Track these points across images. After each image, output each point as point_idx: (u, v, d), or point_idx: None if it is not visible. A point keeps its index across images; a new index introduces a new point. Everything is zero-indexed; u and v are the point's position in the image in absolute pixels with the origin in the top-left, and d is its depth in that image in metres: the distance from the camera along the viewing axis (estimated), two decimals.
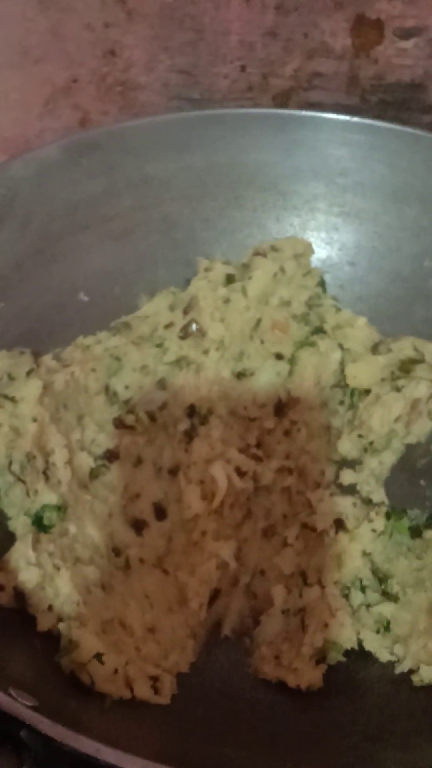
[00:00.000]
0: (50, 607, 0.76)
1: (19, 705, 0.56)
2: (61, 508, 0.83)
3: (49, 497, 0.83)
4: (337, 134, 1.03)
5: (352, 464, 0.94)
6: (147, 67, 1.06)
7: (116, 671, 0.72)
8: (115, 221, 1.03)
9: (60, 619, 0.76)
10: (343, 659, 0.81)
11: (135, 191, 1.04)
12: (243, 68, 1.07)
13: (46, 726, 0.54)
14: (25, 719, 0.55)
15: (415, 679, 0.78)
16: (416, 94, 1.08)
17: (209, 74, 1.07)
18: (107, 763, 0.53)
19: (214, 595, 0.87)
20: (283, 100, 1.10)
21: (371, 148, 1.03)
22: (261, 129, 1.04)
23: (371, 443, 0.92)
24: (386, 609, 0.82)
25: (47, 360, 0.92)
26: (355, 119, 1.03)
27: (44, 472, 0.84)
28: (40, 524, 0.81)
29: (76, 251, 1.01)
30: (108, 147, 1.01)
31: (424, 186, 1.03)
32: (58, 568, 0.78)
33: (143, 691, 0.73)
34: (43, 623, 0.75)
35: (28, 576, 0.76)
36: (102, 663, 0.72)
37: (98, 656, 0.72)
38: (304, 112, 1.04)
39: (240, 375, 0.98)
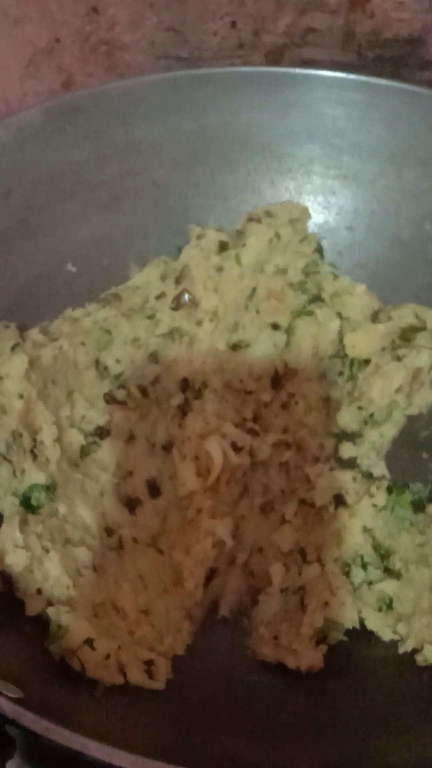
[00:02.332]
0: (39, 591, 0.74)
1: (2, 698, 0.54)
2: (50, 488, 0.80)
3: (37, 476, 0.80)
4: (332, 93, 1.00)
5: (352, 437, 0.91)
6: (132, 24, 1.02)
7: (108, 656, 0.70)
8: (103, 188, 1.00)
9: (49, 603, 0.73)
10: (345, 639, 0.79)
11: (122, 157, 1.00)
12: (233, 24, 1.03)
13: (30, 720, 0.52)
14: (7, 714, 0.52)
15: (419, 659, 0.75)
16: (414, 49, 1.04)
17: (198, 31, 1.03)
18: (94, 758, 0.51)
19: (211, 575, 0.84)
20: (275, 57, 1.06)
21: (368, 106, 0.99)
22: (253, 88, 1.00)
23: (371, 415, 0.89)
24: (388, 586, 0.80)
25: (34, 334, 0.89)
26: (352, 76, 0.99)
27: (32, 451, 0.81)
28: (28, 505, 0.78)
29: (62, 221, 0.98)
30: (93, 110, 0.97)
31: (424, 146, 0.99)
32: (47, 550, 0.76)
33: (137, 676, 0.71)
34: (32, 608, 0.73)
35: (15, 559, 0.74)
36: (93, 648, 0.69)
37: (89, 641, 0.69)
38: (297, 70, 1.00)
39: (235, 346, 0.94)
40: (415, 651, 0.76)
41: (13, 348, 0.84)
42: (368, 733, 0.68)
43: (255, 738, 0.67)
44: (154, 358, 0.93)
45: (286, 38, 1.04)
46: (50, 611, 0.71)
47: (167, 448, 0.90)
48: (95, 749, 0.50)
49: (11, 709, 0.52)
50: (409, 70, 1.06)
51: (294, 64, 1.06)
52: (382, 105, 0.99)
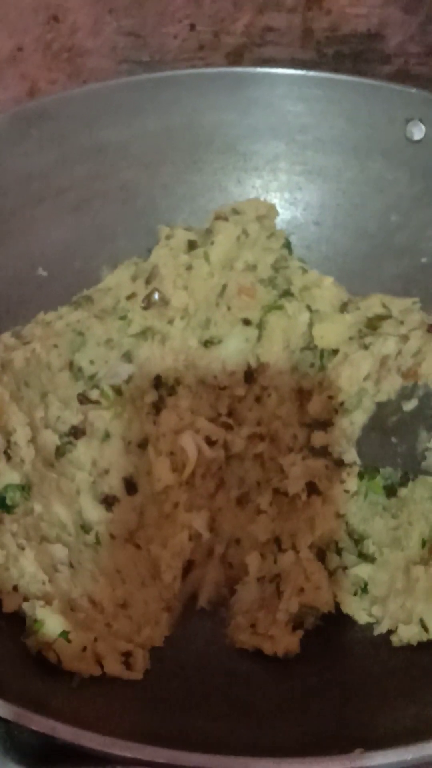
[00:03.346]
0: (15, 588, 0.74)
1: None
2: (24, 488, 0.81)
3: (12, 477, 0.80)
4: (294, 90, 1.01)
5: (323, 426, 0.91)
6: (93, 30, 1.03)
7: (84, 649, 0.71)
8: (71, 192, 1.01)
9: (25, 600, 0.74)
10: (321, 623, 0.80)
11: (89, 160, 1.01)
12: (192, 27, 1.04)
13: None
14: None
15: (394, 639, 0.76)
16: (373, 44, 1.06)
17: (158, 35, 1.04)
18: (65, 741, 0.52)
19: (188, 567, 0.85)
20: (236, 57, 1.07)
21: (329, 102, 1.01)
22: (216, 89, 1.01)
23: (341, 403, 0.90)
24: (363, 570, 0.81)
25: (5, 338, 0.90)
26: (312, 73, 1.01)
27: (5, 452, 0.82)
28: (2, 504, 0.79)
29: (31, 225, 0.99)
30: (58, 116, 0.98)
31: (386, 139, 1.00)
32: (22, 548, 0.76)
33: (114, 667, 0.72)
34: (9, 604, 0.73)
35: None
36: (69, 641, 0.70)
37: (64, 634, 0.70)
38: (258, 69, 1.02)
39: (207, 343, 0.95)
40: (390, 632, 0.77)
41: None
42: (346, 711, 0.69)
43: (233, 720, 0.68)
44: (127, 357, 0.94)
45: (246, 38, 1.06)
46: (25, 606, 0.72)
47: (143, 445, 0.90)
48: (64, 731, 0.51)
49: None
50: (369, 64, 1.07)
51: (254, 64, 1.08)
52: (343, 100, 1.00)
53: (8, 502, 0.79)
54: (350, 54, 1.06)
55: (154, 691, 0.72)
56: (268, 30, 1.04)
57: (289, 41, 1.05)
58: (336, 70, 1.02)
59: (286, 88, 1.01)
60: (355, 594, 0.80)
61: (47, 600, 0.73)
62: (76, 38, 1.04)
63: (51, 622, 0.70)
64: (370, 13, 1.02)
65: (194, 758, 0.52)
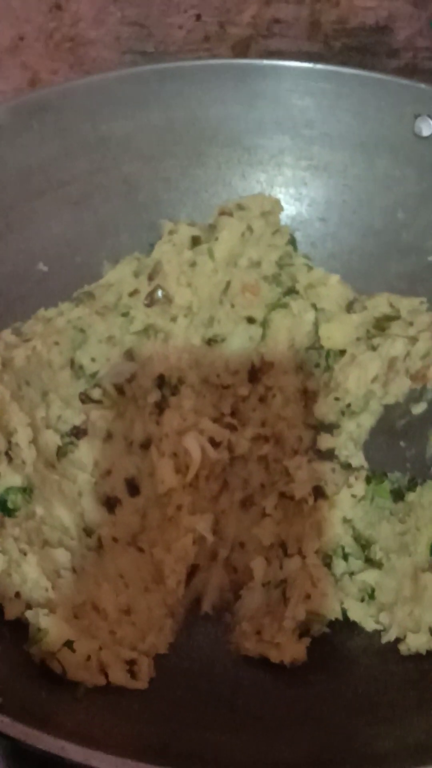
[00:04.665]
0: (18, 594, 0.73)
1: None
2: (26, 490, 0.79)
3: (13, 479, 0.79)
4: (300, 83, 0.99)
5: (330, 428, 0.90)
6: (96, 20, 1.01)
7: (89, 658, 0.69)
8: (72, 186, 0.99)
9: (28, 607, 0.72)
10: (328, 631, 0.79)
11: (91, 153, 0.99)
12: (198, 17, 1.02)
13: (6, 725, 0.51)
14: None
15: (402, 648, 0.75)
16: (381, 37, 1.04)
17: (163, 25, 1.02)
18: (72, 761, 0.50)
19: (192, 571, 0.84)
20: (242, 49, 1.05)
21: (337, 96, 0.99)
22: (221, 81, 1.00)
23: (348, 406, 0.88)
24: (370, 576, 0.80)
25: (6, 335, 0.88)
26: (319, 66, 0.99)
27: (6, 453, 0.80)
28: (4, 508, 0.77)
29: (32, 219, 0.97)
30: (60, 107, 0.96)
31: (394, 134, 0.99)
32: (24, 553, 0.75)
33: (119, 676, 0.70)
34: (11, 611, 0.72)
35: None
36: (73, 650, 0.69)
37: (69, 643, 0.69)
38: (264, 62, 1.00)
39: (210, 341, 0.94)
40: (398, 640, 0.76)
41: None
42: (354, 723, 0.68)
43: (240, 733, 0.67)
44: (129, 355, 0.93)
45: (252, 30, 1.04)
46: (29, 614, 0.71)
47: (145, 445, 0.89)
48: (73, 752, 0.50)
49: None
50: (377, 58, 1.06)
51: (261, 56, 1.06)
52: (351, 94, 0.98)
53: (10, 505, 0.78)
54: (358, 47, 1.04)
55: (160, 702, 0.70)
56: (275, 21, 1.02)
57: (297, 33, 1.03)
58: (343, 64, 1.00)
59: (293, 81, 0.99)
60: (362, 600, 0.79)
61: (51, 607, 0.72)
62: (78, 28, 1.02)
63: (56, 631, 0.69)
64: (379, 6, 1.00)
65: None
